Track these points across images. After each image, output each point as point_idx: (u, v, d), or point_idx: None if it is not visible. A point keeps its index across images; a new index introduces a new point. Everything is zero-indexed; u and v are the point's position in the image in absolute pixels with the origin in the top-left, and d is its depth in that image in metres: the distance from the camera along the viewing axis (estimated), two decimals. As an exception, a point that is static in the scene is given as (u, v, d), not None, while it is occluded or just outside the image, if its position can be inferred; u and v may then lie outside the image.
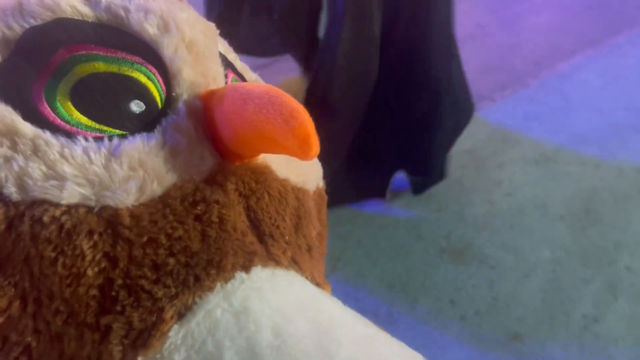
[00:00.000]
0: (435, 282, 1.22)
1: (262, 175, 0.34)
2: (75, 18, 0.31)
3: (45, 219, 0.26)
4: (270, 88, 0.28)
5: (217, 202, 0.30)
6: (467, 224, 1.35)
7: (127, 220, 0.28)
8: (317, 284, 0.35)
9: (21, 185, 0.26)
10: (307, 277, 0.34)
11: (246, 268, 0.30)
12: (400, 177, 1.38)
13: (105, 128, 0.29)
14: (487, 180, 1.47)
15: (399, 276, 1.24)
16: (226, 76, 0.36)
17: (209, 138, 0.32)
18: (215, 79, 0.33)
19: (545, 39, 2.10)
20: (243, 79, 0.39)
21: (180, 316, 0.28)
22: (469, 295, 1.19)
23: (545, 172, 1.49)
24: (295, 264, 0.34)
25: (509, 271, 1.24)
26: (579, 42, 2.06)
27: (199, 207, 0.30)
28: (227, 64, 0.37)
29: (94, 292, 0.27)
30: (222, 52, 0.37)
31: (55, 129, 0.28)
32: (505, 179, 1.47)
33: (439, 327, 1.13)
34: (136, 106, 0.31)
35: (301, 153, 0.27)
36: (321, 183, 0.43)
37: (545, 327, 1.13)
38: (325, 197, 0.44)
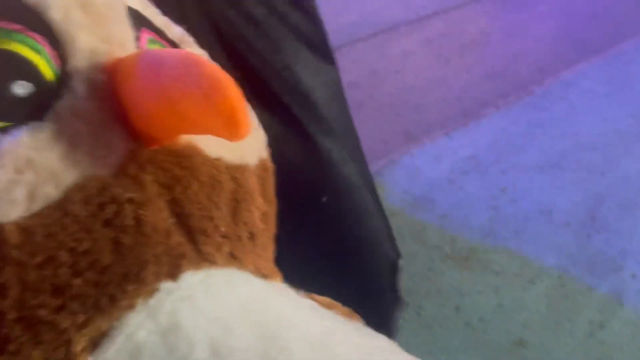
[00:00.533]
0: (439, 288, 1.22)
1: (188, 158, 0.28)
2: None
3: None
4: (187, 54, 0.23)
5: (130, 200, 0.25)
6: (471, 230, 1.35)
7: (15, 238, 0.22)
8: (264, 276, 0.30)
9: None
10: (250, 272, 0.30)
11: (173, 275, 0.25)
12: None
13: None
14: (491, 186, 1.47)
15: (404, 282, 1.24)
16: (138, 38, 0.29)
17: (117, 120, 0.26)
18: (122, 44, 0.27)
19: (550, 47, 2.10)
20: (164, 38, 0.32)
21: (95, 346, 0.23)
22: (474, 302, 1.19)
23: (550, 179, 1.49)
24: (234, 259, 0.29)
25: (514, 277, 1.24)
26: (584, 49, 2.06)
27: (107, 210, 0.24)
28: (141, 22, 0.30)
29: None
30: (134, 8, 0.31)
31: None
32: (509, 185, 1.47)
33: (443, 333, 1.13)
34: (20, 88, 0.24)
35: (227, 133, 0.22)
36: (264, 153, 0.37)
37: (550, 334, 1.12)
38: (271, 168, 0.37)
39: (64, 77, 0.25)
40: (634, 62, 1.98)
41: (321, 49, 0.68)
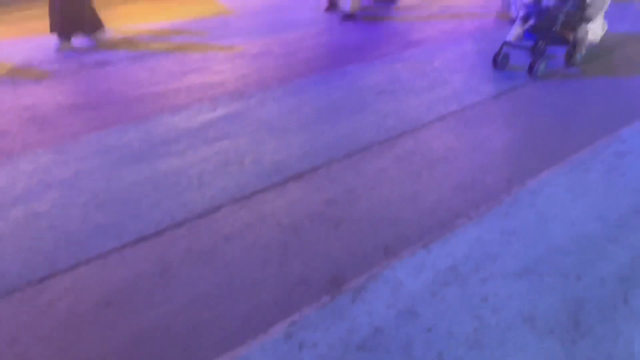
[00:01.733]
0: (431, 407, 1.18)
1: None
2: None
3: None
4: None
5: None
6: (458, 342, 1.34)
7: None
8: None
9: None
10: None
11: None
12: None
13: None
14: (472, 296, 1.48)
15: None
16: None
17: None
18: None
19: (513, 158, 2.25)
20: None
21: None
22: (468, 420, 1.14)
23: (529, 285, 1.52)
24: None
25: (505, 391, 1.20)
26: (545, 159, 2.21)
27: None
28: None
29: None
30: None
31: None
32: (490, 294, 1.49)
33: None
34: None
35: None
36: None
37: None
38: None
39: None
40: (592, 169, 2.12)
41: None
